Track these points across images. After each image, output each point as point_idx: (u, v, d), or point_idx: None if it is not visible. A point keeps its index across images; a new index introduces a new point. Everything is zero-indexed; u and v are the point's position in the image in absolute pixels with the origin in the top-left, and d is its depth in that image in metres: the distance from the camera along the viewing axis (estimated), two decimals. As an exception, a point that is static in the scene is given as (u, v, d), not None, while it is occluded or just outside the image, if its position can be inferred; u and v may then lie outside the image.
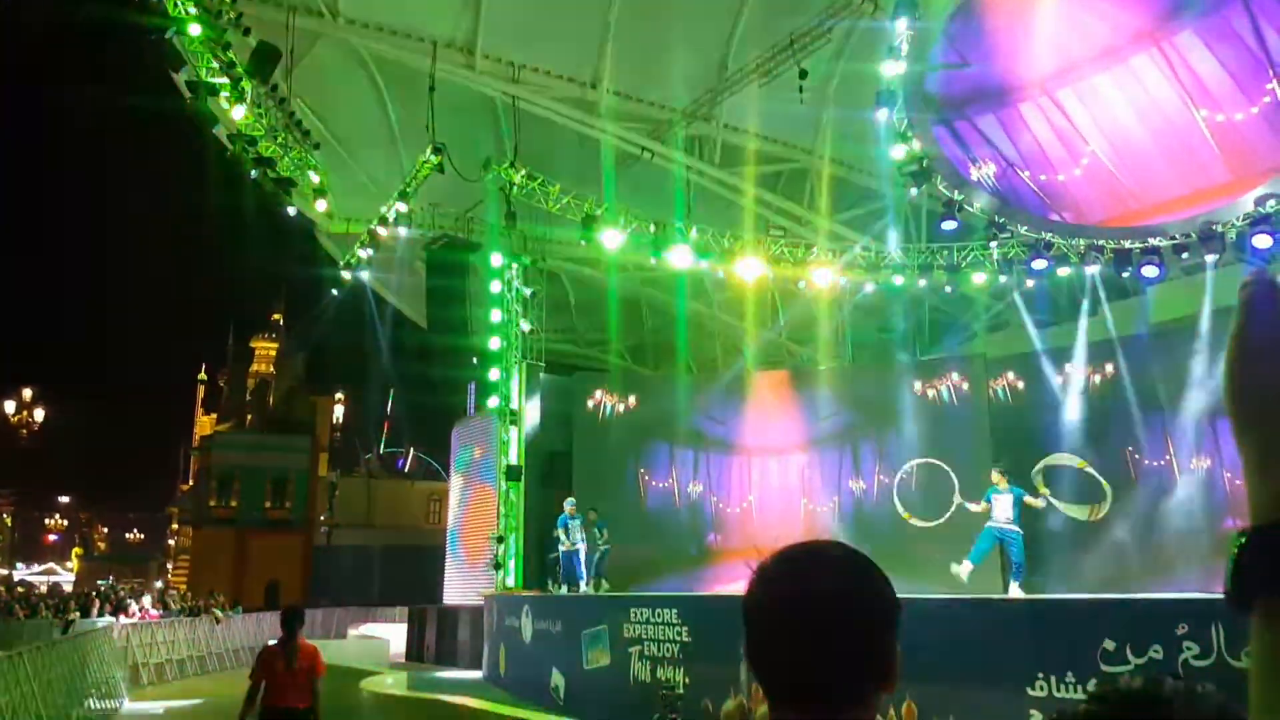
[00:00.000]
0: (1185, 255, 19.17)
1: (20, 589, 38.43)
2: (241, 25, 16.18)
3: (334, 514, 53.88)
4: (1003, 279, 22.23)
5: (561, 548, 19.37)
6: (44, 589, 45.16)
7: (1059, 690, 7.99)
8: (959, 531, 17.37)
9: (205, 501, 58.11)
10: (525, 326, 23.51)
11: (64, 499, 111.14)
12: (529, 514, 22.43)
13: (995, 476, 15.18)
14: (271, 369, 67.82)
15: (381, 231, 22.14)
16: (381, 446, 64.64)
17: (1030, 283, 22.04)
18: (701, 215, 23.22)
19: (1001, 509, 14.81)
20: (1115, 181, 21.82)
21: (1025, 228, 20.75)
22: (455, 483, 29.13)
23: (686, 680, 12.70)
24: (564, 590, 19.11)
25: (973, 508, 15.74)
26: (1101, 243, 20.09)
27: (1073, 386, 20.33)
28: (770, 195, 24.60)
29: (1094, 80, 20.79)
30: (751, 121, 23.77)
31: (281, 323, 70.02)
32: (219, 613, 30.04)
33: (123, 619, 26.91)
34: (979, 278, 22.14)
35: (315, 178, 19.55)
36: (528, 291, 23.73)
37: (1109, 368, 19.97)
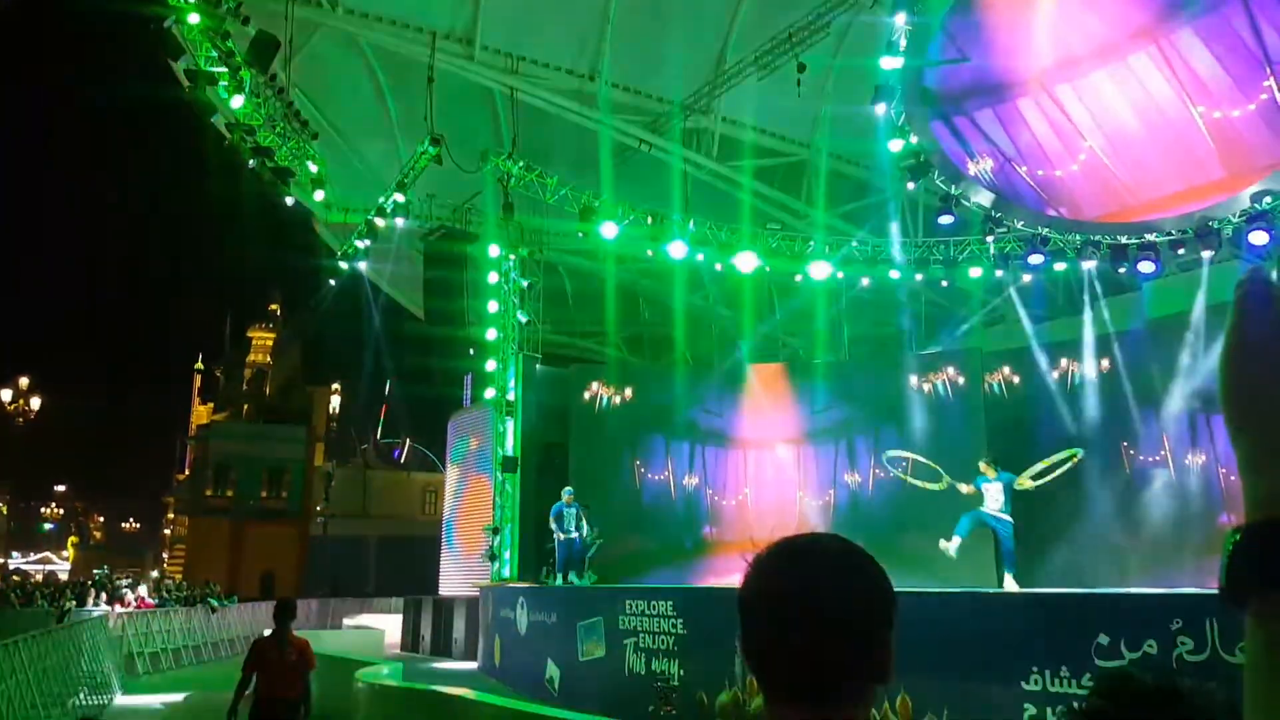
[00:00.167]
0: (1181, 251, 19.21)
1: (16, 578, 38.47)
2: (240, 14, 16.15)
3: (330, 504, 53.82)
4: (999, 274, 22.28)
5: (557, 537, 19.37)
6: (39, 578, 45.18)
7: (1053, 684, 8.01)
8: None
9: (201, 491, 58.14)
10: (522, 318, 23.50)
11: (60, 488, 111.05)
12: (525, 505, 22.43)
13: (984, 466, 15.19)
14: (268, 359, 67.74)
15: (379, 222, 22.12)
16: (378, 433, 64.61)
17: (1027, 278, 22.08)
18: (699, 208, 23.20)
19: (993, 498, 14.83)
20: (1112, 177, 21.82)
21: (1022, 223, 20.78)
22: (451, 474, 29.14)
23: (682, 672, 12.73)
24: (559, 580, 19.13)
25: (963, 488, 15.83)
26: (1098, 238, 20.12)
27: (1069, 381, 20.38)
28: (768, 189, 24.58)
29: (1092, 77, 20.78)
30: (749, 115, 23.75)
31: (279, 313, 69.90)
32: (214, 602, 30.03)
33: (118, 608, 26.92)
34: (975, 272, 22.17)
35: (313, 168, 19.53)
36: (525, 283, 23.71)
37: (1105, 363, 20.02)
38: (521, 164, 21.45)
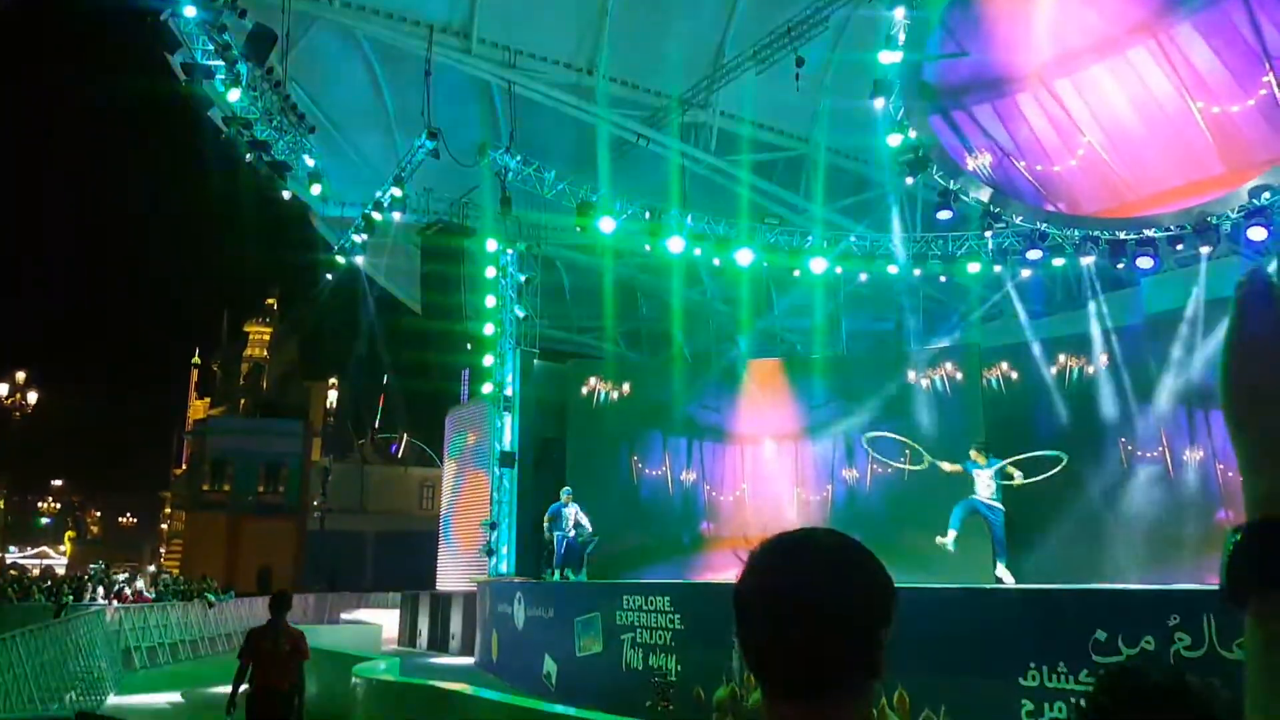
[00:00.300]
0: (1180, 247, 19.21)
1: (13, 572, 38.47)
2: (237, 7, 16.09)
3: (327, 499, 53.87)
4: (997, 269, 22.29)
5: (555, 534, 19.36)
6: (36, 572, 45.17)
7: (1051, 680, 8.02)
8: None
9: (199, 486, 58.16)
10: (520, 313, 23.49)
11: (57, 482, 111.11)
12: (522, 500, 22.44)
13: (974, 453, 15.20)
14: (265, 353, 67.81)
15: (376, 216, 22.08)
16: (376, 425, 64.63)
17: (1025, 273, 22.09)
18: (697, 203, 23.18)
19: (984, 485, 14.82)
20: (1111, 173, 21.82)
21: (1020, 218, 20.78)
22: (449, 469, 29.14)
23: (679, 668, 12.74)
24: (557, 576, 19.13)
25: (945, 466, 15.84)
26: (1097, 234, 20.13)
27: (1067, 377, 20.39)
28: (766, 183, 24.56)
29: (1091, 71, 20.77)
30: (748, 109, 23.71)
31: (276, 307, 69.92)
32: (211, 597, 30.04)
33: (115, 603, 26.92)
34: (974, 267, 22.18)
35: (310, 161, 19.48)
36: (522, 277, 23.70)
37: (1103, 358, 20.03)
38: (519, 158, 21.41)
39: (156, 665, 23.99)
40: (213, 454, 57.57)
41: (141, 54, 19.90)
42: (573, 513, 18.96)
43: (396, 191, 21.25)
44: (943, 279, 23.34)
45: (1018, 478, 16.17)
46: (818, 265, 22.94)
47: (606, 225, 21.60)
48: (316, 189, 20.43)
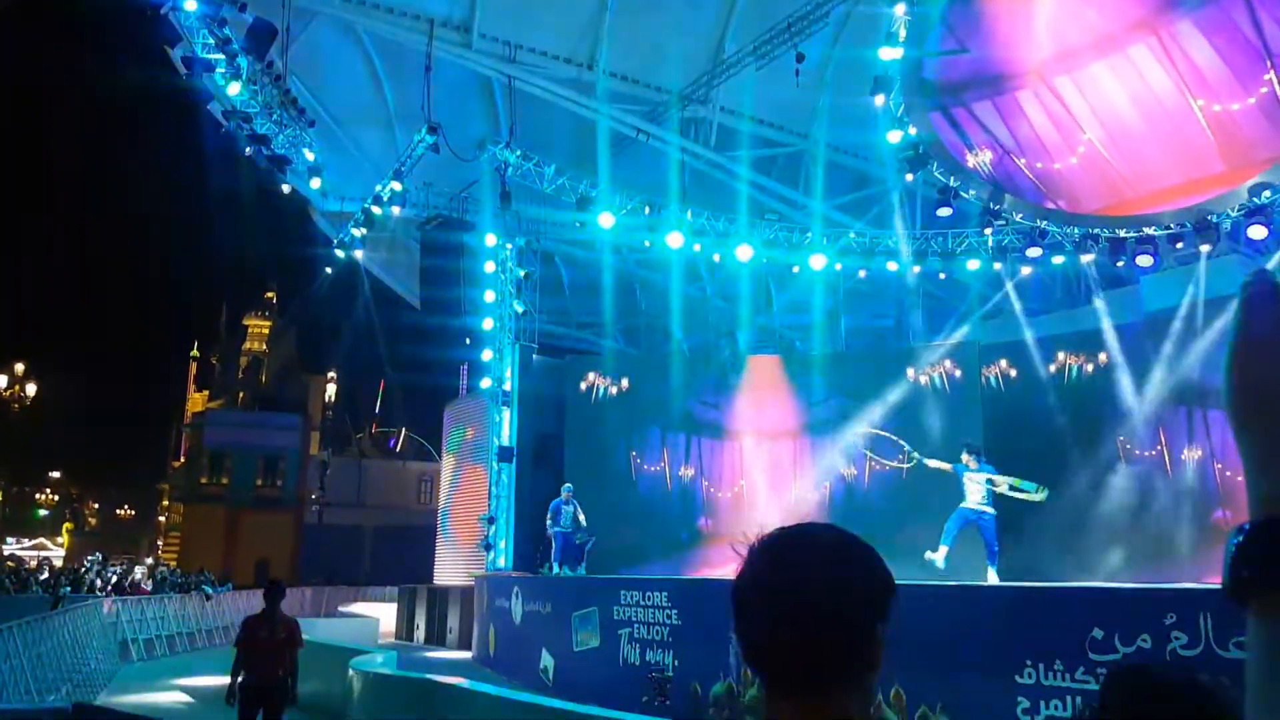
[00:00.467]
0: (1180, 245, 19.20)
1: (11, 564, 38.48)
2: (238, 2, 16.08)
3: (325, 493, 53.92)
4: (997, 266, 22.28)
5: (554, 530, 19.37)
6: (34, 564, 45.17)
7: (1047, 678, 8.02)
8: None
9: (197, 478, 58.24)
10: (519, 307, 23.48)
11: (55, 474, 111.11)
12: (520, 496, 22.44)
13: (965, 457, 15.09)
14: (264, 347, 67.83)
15: (376, 210, 22.07)
16: (374, 422, 64.67)
17: (1025, 270, 22.09)
18: (696, 198, 23.18)
19: (972, 489, 14.73)
20: (1111, 170, 21.80)
21: (1020, 215, 20.77)
22: (447, 463, 29.16)
23: (676, 663, 12.74)
24: (555, 571, 19.14)
25: (931, 463, 15.83)
26: (1096, 231, 20.12)
27: (1066, 375, 20.40)
28: (766, 179, 24.56)
29: (1091, 69, 20.73)
30: (748, 105, 23.70)
31: (275, 301, 69.91)
32: (208, 589, 30.05)
33: (113, 596, 26.90)
34: (973, 265, 22.18)
35: (310, 156, 19.46)
36: (521, 272, 23.69)
37: (1102, 356, 20.03)
38: (519, 153, 21.41)
39: (154, 657, 24.00)
40: (211, 447, 57.64)
41: (142, 47, 19.89)
42: (572, 510, 19.00)
43: (396, 186, 21.23)
44: (942, 276, 23.34)
45: (1003, 487, 16.01)
46: (817, 261, 22.95)
47: (606, 220, 21.60)
48: (316, 183, 20.41)
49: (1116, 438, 19.42)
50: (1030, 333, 21.47)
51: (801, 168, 25.45)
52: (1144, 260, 19.44)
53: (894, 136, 19.25)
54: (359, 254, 24.25)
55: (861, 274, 23.97)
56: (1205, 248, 18.61)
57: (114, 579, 32.07)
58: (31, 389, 37.73)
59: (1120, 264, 19.87)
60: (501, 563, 22.07)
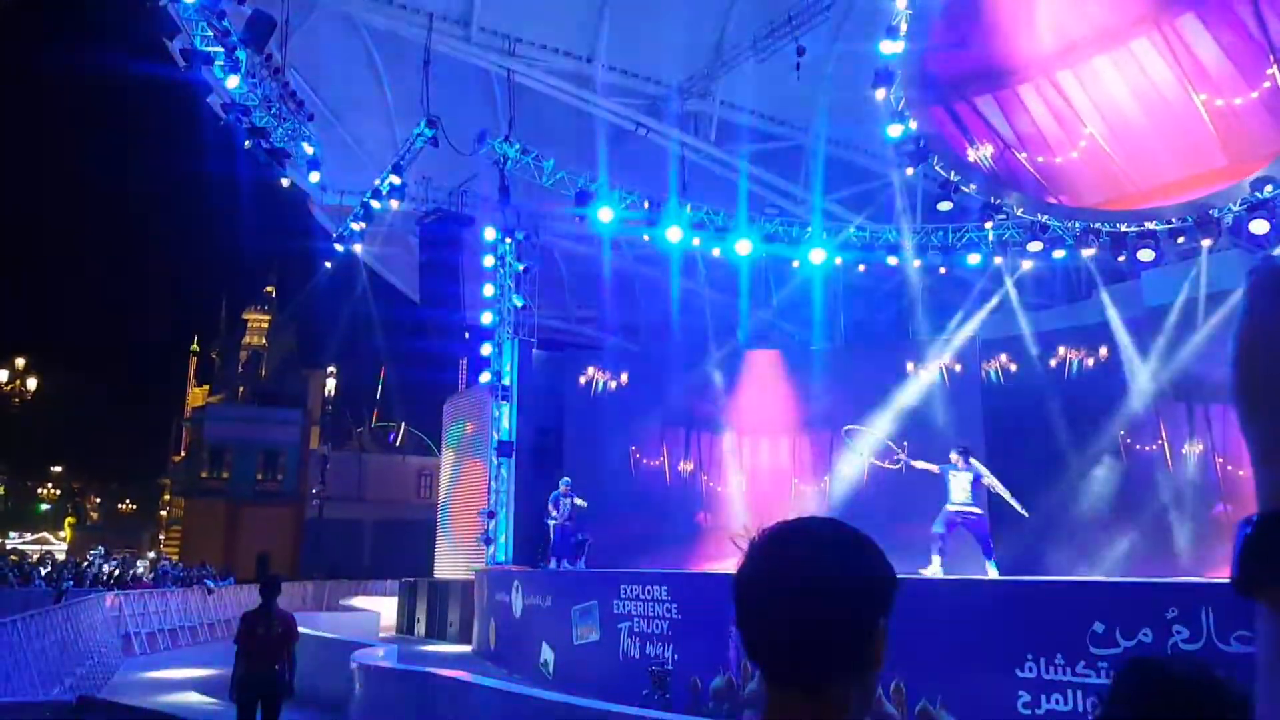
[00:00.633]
0: (1181, 240, 19.17)
1: (14, 557, 38.51)
2: (236, -7, 16.05)
3: (325, 487, 53.89)
4: (998, 261, 22.24)
5: (551, 522, 19.37)
6: (36, 558, 45.20)
7: (1048, 672, 8.01)
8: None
9: (197, 473, 58.22)
10: (518, 302, 23.46)
11: (56, 468, 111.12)
12: (520, 490, 22.43)
13: (954, 456, 14.92)
14: (264, 341, 67.72)
15: (375, 204, 22.04)
16: (374, 416, 64.66)
17: (1026, 265, 22.06)
18: (696, 192, 23.13)
19: (958, 490, 14.52)
20: (1113, 165, 21.77)
21: (1021, 210, 20.73)
22: (446, 458, 29.14)
23: (676, 657, 12.74)
24: (554, 564, 19.14)
25: (918, 464, 15.80)
26: (1098, 226, 20.09)
27: (1066, 369, 20.38)
28: (765, 173, 24.51)
29: (1094, 63, 20.70)
30: (748, 99, 23.66)
31: (274, 295, 69.84)
32: (210, 584, 30.06)
33: (115, 590, 26.90)
34: (974, 259, 22.15)
35: (309, 149, 19.42)
36: (521, 267, 23.65)
37: (1102, 350, 20.01)
38: (518, 147, 21.37)
39: (156, 650, 24.02)
40: (211, 441, 57.63)
41: (141, 40, 19.86)
42: (570, 502, 18.99)
43: (395, 180, 21.21)
44: (942, 270, 23.30)
45: (997, 486, 15.90)
46: (817, 256, 22.91)
47: (605, 215, 21.56)
48: (315, 177, 20.39)
49: (1117, 432, 19.41)
50: (1030, 327, 21.45)
51: (801, 162, 25.39)
52: (1145, 255, 19.42)
53: (895, 130, 19.21)
54: (358, 248, 24.24)
55: (861, 269, 23.95)
56: (1207, 242, 18.60)
57: (115, 571, 32.06)
58: (32, 383, 37.70)
59: (1121, 258, 19.85)
60: (501, 557, 22.06)
